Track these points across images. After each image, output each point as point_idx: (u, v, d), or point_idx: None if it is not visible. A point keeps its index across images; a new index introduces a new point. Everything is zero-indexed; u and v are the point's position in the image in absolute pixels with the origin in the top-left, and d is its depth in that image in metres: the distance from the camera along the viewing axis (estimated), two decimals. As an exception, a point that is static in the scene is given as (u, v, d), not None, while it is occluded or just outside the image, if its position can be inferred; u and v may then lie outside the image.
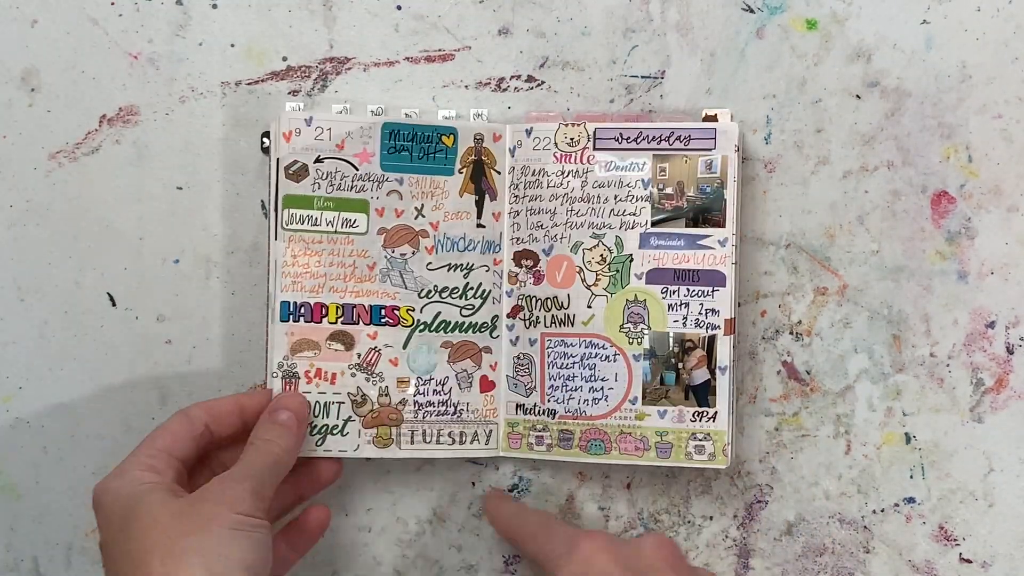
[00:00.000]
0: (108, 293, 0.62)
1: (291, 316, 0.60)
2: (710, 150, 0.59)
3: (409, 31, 0.62)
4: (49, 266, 0.62)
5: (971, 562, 0.62)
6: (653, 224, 0.60)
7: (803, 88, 0.62)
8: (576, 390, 0.61)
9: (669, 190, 0.60)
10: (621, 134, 0.60)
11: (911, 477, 0.62)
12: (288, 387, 0.60)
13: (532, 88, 0.63)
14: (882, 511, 0.62)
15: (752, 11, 0.62)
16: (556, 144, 0.61)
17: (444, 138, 0.61)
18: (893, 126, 0.61)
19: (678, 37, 0.62)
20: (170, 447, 0.55)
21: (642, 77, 0.62)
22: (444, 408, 0.62)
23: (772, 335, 0.63)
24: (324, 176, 0.60)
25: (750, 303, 0.63)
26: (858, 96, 0.61)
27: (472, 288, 0.62)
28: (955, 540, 0.62)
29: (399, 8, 0.62)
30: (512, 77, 0.63)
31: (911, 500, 0.62)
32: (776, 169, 0.62)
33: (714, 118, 0.60)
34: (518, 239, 0.62)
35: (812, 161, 0.62)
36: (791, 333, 0.62)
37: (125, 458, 0.54)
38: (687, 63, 0.62)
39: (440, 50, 0.63)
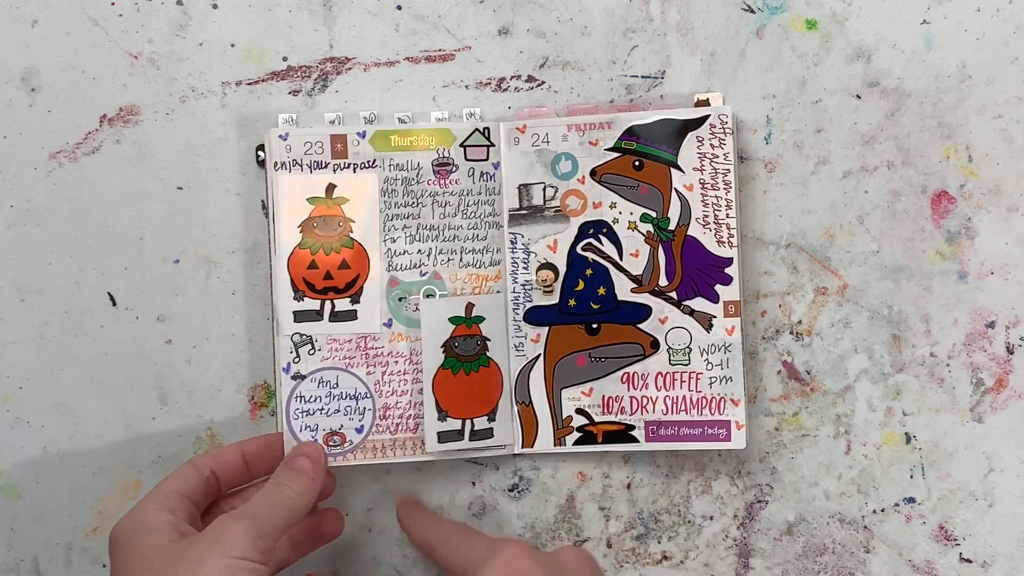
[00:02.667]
0: (108, 293, 0.62)
1: None
2: None
3: (409, 31, 0.62)
4: (49, 266, 0.62)
5: (971, 562, 0.62)
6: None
7: (803, 88, 0.62)
8: None
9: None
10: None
11: (911, 477, 0.62)
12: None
13: (532, 88, 0.63)
14: (882, 511, 0.62)
15: (752, 11, 0.62)
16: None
17: None
18: (893, 126, 0.61)
19: (678, 37, 0.62)
20: (180, 488, 0.55)
21: (642, 77, 0.62)
22: None
23: (772, 335, 0.63)
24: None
25: (750, 303, 0.62)
26: (858, 96, 0.61)
27: None
28: (955, 540, 0.62)
29: (399, 8, 0.62)
30: (512, 77, 0.63)
31: (911, 500, 0.62)
32: (776, 169, 0.62)
33: (706, 102, 0.60)
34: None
35: (812, 161, 0.62)
36: (791, 333, 0.62)
37: (140, 500, 0.54)
38: (687, 63, 0.62)
39: (440, 50, 0.63)
